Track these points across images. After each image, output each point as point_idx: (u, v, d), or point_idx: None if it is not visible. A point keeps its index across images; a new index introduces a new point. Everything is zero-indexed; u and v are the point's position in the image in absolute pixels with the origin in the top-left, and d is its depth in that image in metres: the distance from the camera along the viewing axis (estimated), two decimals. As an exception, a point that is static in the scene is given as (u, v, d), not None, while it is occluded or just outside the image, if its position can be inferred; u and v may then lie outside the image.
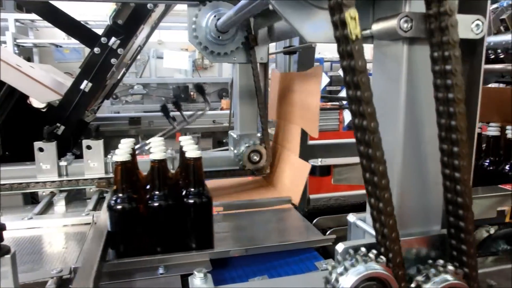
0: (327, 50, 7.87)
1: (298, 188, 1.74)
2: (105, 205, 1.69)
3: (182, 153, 1.32)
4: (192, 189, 1.23)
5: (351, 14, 0.61)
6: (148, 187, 1.24)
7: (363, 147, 0.67)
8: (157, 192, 1.22)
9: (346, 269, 0.69)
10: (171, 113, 2.58)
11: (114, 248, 1.22)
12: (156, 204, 1.21)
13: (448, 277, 0.72)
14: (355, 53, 0.61)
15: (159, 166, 1.21)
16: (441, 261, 0.75)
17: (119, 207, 1.18)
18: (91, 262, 1.08)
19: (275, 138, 2.13)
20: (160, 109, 2.54)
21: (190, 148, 1.27)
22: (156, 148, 1.28)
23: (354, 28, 0.61)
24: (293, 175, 1.82)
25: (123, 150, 1.23)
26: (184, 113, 2.68)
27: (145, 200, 1.22)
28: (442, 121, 0.70)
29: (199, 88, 2.82)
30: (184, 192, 1.24)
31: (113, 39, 2.15)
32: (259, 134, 1.96)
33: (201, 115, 2.87)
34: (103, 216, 1.39)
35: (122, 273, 1.16)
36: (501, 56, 1.44)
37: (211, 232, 1.29)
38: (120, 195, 1.19)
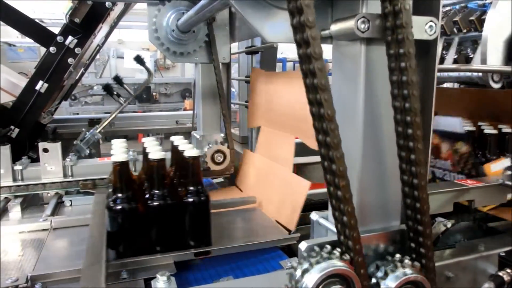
0: (289, 50, 7.93)
1: (293, 213, 1.45)
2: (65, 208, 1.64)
3: (145, 154, 1.30)
4: (191, 188, 1.25)
5: None
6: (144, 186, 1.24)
7: (323, 149, 0.68)
8: (157, 191, 1.22)
9: (309, 267, 0.69)
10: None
11: (113, 248, 1.19)
12: (156, 203, 1.21)
13: (408, 271, 0.74)
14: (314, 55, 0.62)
15: (158, 165, 1.22)
16: (400, 256, 0.77)
17: (119, 207, 1.18)
18: (97, 263, 1.04)
19: (259, 147, 1.93)
20: (103, 89, 2.52)
21: (187, 147, 1.28)
22: (153, 148, 1.28)
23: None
24: (285, 194, 1.56)
25: (119, 150, 1.24)
26: (148, 113, 2.66)
27: (145, 200, 1.22)
28: (398, 117, 0.72)
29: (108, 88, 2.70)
30: (182, 191, 1.25)
31: (70, 38, 2.08)
32: (222, 135, 1.95)
33: (145, 85, 2.85)
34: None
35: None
36: (455, 57, 1.50)
37: (209, 230, 1.31)
38: (120, 195, 1.19)
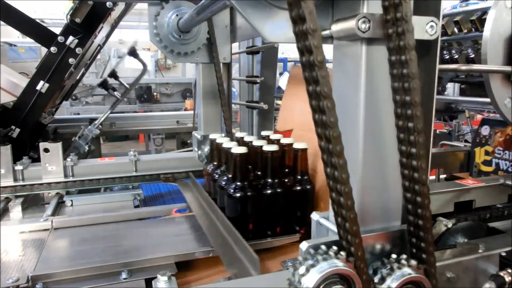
0: (291, 50, 7.94)
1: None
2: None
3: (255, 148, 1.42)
4: (299, 177, 1.39)
5: None
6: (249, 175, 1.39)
7: (323, 143, 0.68)
8: (270, 180, 1.37)
9: (309, 267, 0.69)
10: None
11: None
12: (270, 191, 1.36)
13: (408, 270, 0.74)
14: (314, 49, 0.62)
15: (272, 156, 1.35)
16: (401, 256, 0.77)
17: (238, 194, 1.34)
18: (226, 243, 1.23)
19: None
20: (100, 85, 2.56)
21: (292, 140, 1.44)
22: (262, 141, 1.41)
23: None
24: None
25: (231, 144, 1.43)
26: (149, 113, 2.68)
27: (259, 188, 1.36)
28: (398, 111, 0.72)
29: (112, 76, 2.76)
30: (291, 180, 1.39)
31: (70, 38, 2.08)
32: (223, 135, 1.95)
33: (140, 78, 2.88)
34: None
35: (83, 279, 1.13)
36: (456, 57, 1.50)
37: None
38: (239, 183, 1.34)
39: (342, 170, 0.67)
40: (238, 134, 1.61)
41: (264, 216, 1.36)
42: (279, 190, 1.36)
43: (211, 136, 1.66)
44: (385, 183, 0.81)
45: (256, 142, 1.40)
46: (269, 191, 1.36)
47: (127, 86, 2.82)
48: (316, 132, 0.68)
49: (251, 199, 1.34)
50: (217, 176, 1.53)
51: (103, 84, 2.63)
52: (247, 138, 1.51)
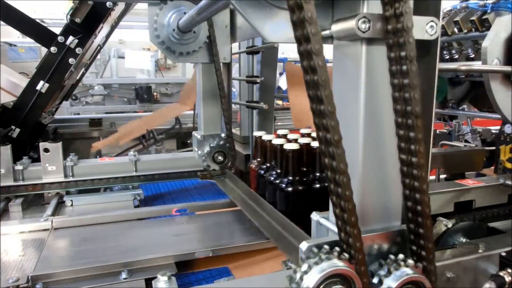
0: (291, 50, 7.93)
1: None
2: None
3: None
4: None
5: None
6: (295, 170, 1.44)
7: (324, 146, 0.68)
8: (318, 174, 1.43)
9: (309, 267, 0.69)
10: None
11: None
12: (319, 185, 1.42)
13: (408, 270, 0.74)
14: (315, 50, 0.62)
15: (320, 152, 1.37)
16: (401, 256, 0.77)
17: (290, 189, 1.41)
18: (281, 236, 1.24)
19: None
20: None
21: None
22: (307, 139, 1.47)
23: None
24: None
25: (281, 140, 1.49)
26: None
27: (309, 182, 1.43)
28: (399, 120, 0.72)
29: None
30: None
31: (70, 38, 2.08)
32: (223, 134, 1.95)
33: (169, 131, 3.03)
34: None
35: (83, 279, 1.13)
36: (456, 56, 1.50)
37: None
38: (291, 178, 1.42)
39: (343, 173, 0.67)
40: (280, 132, 1.66)
41: (313, 209, 1.39)
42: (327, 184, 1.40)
43: (256, 133, 1.70)
44: (385, 183, 0.81)
45: (302, 140, 1.47)
46: (318, 185, 1.42)
47: (157, 137, 2.96)
48: (317, 135, 0.68)
49: (303, 193, 1.41)
50: (263, 172, 1.57)
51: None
52: (290, 136, 1.56)
